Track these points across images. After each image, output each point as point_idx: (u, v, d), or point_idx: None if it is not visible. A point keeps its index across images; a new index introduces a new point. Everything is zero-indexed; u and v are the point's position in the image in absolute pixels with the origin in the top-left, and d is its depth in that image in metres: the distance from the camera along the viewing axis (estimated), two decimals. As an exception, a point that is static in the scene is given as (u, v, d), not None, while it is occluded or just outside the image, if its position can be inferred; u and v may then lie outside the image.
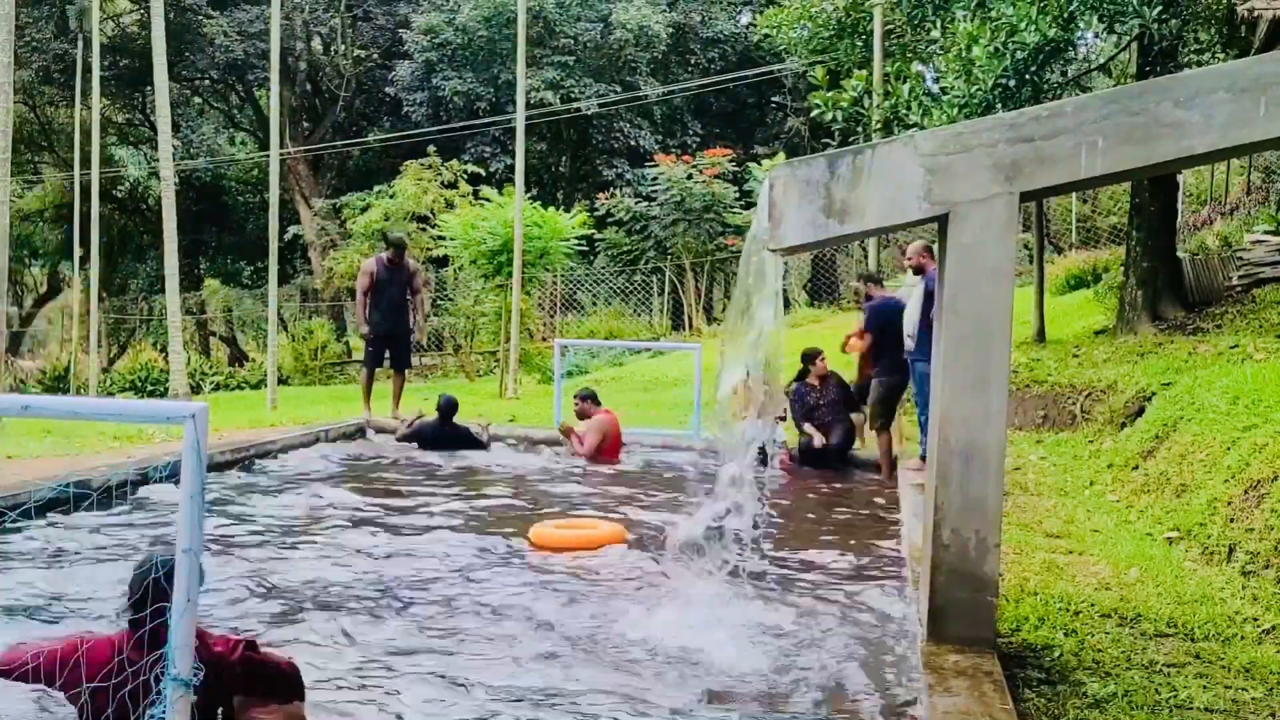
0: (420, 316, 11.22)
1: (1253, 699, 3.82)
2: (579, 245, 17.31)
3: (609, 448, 9.52)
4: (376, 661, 4.21)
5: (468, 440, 9.92)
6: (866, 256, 17.44)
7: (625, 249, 22.84)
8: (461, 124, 23.91)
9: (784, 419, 10.01)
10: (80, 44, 23.52)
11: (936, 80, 11.01)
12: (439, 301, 24.69)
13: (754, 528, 4.72)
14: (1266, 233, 13.03)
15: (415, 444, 9.89)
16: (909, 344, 8.52)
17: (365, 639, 4.46)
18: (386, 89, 26.35)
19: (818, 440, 9.31)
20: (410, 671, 4.09)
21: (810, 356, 9.57)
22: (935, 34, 10.81)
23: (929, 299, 8.04)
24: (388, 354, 10.99)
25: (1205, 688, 3.90)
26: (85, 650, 3.13)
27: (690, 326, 21.63)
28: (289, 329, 26.85)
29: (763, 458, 9.15)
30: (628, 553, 6.07)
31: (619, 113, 24.41)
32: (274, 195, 14.40)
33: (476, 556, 5.90)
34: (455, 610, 4.91)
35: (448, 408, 9.95)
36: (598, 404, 9.81)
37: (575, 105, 23.36)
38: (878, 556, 6.22)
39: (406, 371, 11.61)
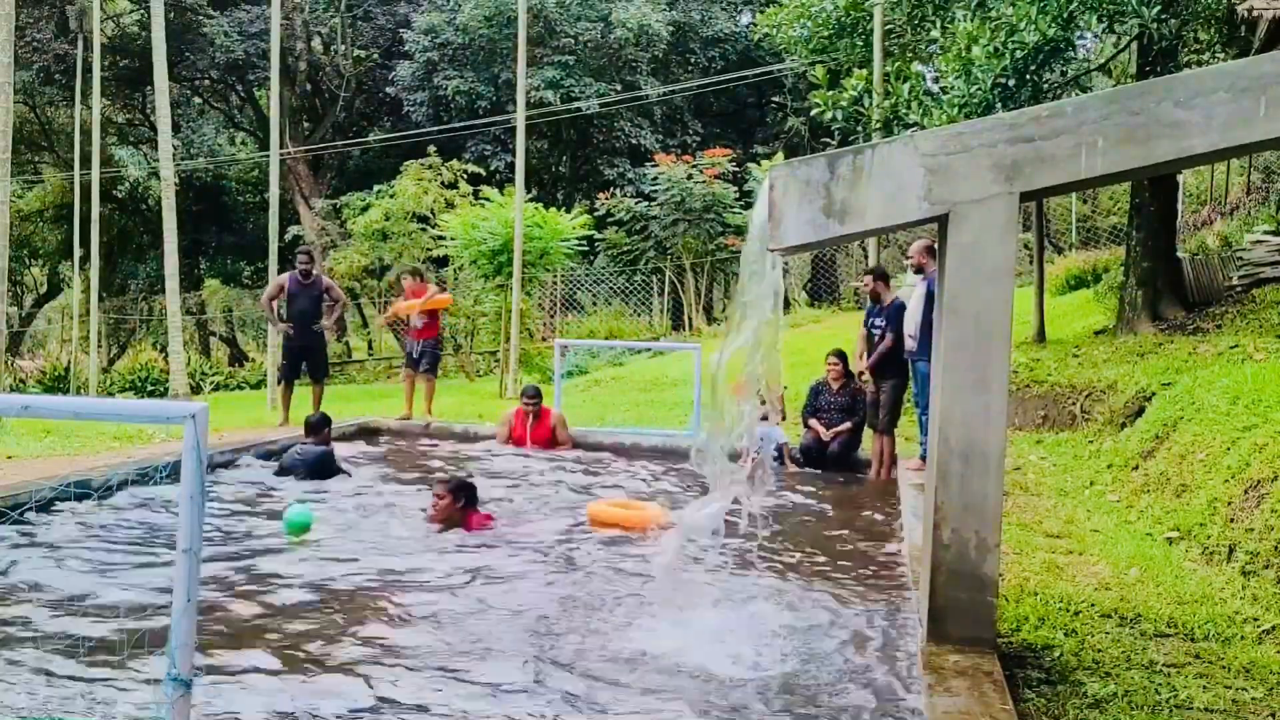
0: (331, 319, 11.18)
1: (1253, 699, 3.82)
2: (579, 245, 17.32)
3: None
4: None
5: (320, 466, 8.13)
6: (866, 256, 17.45)
7: (625, 249, 22.84)
8: (462, 124, 23.91)
9: (784, 418, 10.02)
10: (80, 44, 23.53)
11: (936, 80, 11.01)
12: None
13: (753, 524, 4.73)
14: (1266, 233, 13.03)
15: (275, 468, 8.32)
16: (910, 344, 8.52)
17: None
18: (387, 89, 26.36)
19: (825, 434, 9.31)
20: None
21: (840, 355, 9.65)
22: (935, 34, 10.82)
23: (930, 299, 8.04)
24: (304, 366, 11.14)
25: (1205, 688, 3.90)
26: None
27: (690, 326, 21.63)
28: (289, 329, 26.82)
29: (779, 456, 9.20)
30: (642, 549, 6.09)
31: (619, 112, 24.41)
32: (274, 195, 14.40)
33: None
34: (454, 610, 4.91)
35: (314, 426, 8.55)
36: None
37: (576, 105, 23.36)
38: (877, 557, 6.21)
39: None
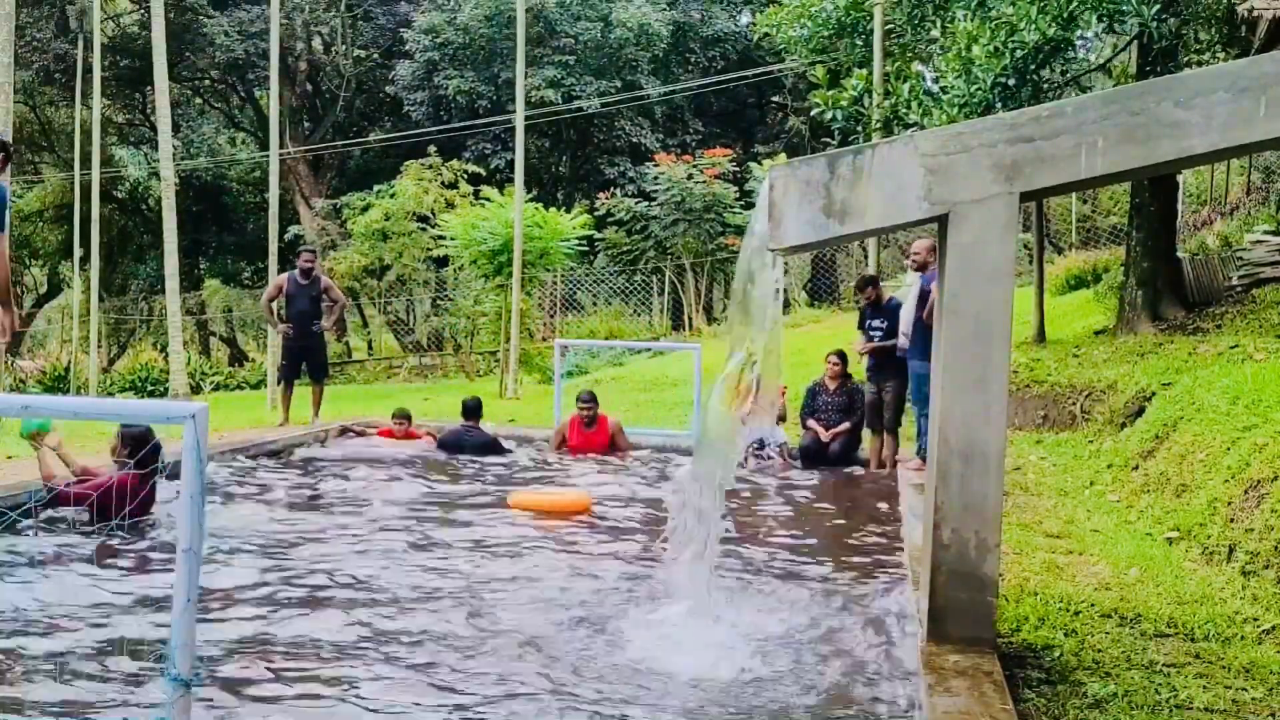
0: (330, 320, 11.15)
1: (1253, 699, 3.81)
2: (579, 245, 17.32)
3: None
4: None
5: (490, 446, 9.76)
6: (866, 257, 17.43)
7: (625, 249, 22.83)
8: (462, 123, 23.91)
9: (783, 419, 10.02)
10: (80, 44, 23.51)
11: (936, 80, 11.00)
12: (438, 301, 24.68)
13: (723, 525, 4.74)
14: (1266, 233, 13.03)
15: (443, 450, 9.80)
16: (903, 342, 8.52)
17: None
18: (387, 88, 26.34)
19: (824, 435, 9.30)
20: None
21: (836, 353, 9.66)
22: (935, 33, 10.80)
23: (923, 298, 8.04)
24: (304, 366, 11.07)
25: (1205, 688, 3.90)
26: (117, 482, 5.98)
27: (690, 326, 21.62)
28: (289, 329, 26.82)
29: (758, 454, 9.20)
30: (621, 544, 6.09)
31: (620, 111, 24.40)
32: (274, 195, 14.39)
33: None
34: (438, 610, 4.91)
35: (472, 410, 9.98)
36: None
37: (576, 104, 23.36)
38: (877, 556, 6.21)
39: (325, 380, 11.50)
